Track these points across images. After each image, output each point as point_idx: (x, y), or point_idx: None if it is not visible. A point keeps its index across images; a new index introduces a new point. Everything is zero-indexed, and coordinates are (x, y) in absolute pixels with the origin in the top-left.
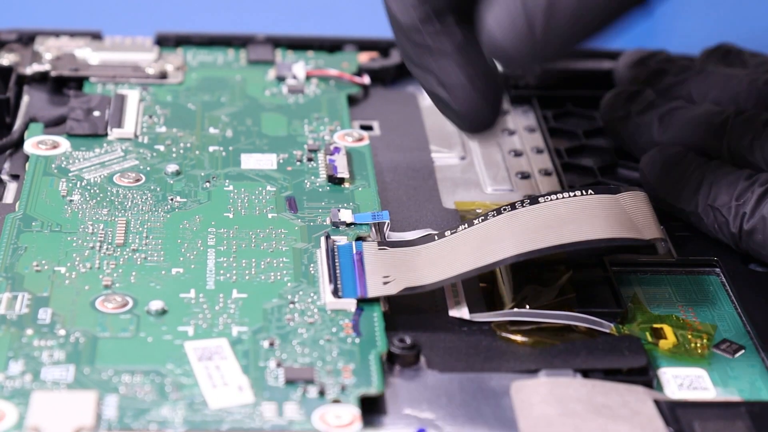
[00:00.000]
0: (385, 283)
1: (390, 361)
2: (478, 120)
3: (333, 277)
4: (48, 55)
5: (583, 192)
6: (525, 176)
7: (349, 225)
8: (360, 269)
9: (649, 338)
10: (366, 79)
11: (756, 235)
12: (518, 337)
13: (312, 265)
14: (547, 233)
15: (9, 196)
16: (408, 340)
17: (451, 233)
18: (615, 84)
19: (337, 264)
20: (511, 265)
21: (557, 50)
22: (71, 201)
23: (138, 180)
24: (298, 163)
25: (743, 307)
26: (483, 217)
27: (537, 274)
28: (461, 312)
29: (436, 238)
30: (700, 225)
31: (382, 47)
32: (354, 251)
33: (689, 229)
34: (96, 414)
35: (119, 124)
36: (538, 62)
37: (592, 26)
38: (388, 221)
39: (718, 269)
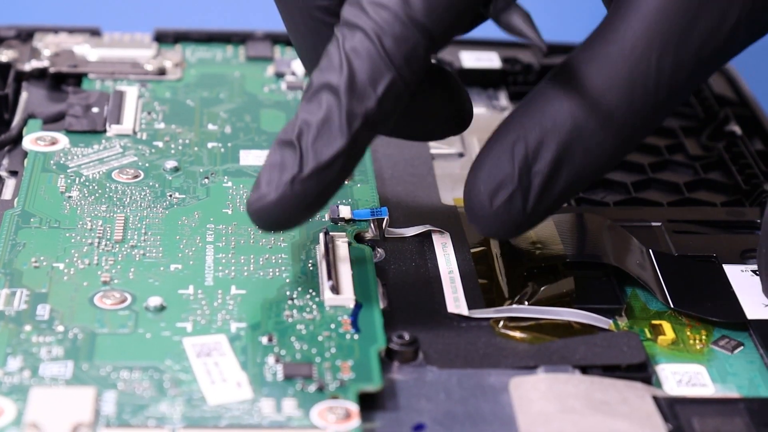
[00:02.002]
0: None
1: (388, 357)
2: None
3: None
4: (47, 51)
5: None
6: None
7: (347, 221)
8: None
9: (648, 334)
10: None
11: None
12: (517, 334)
13: (310, 261)
14: None
15: (7, 193)
16: (406, 336)
17: None
18: None
19: None
20: (510, 261)
21: (540, 220)
22: (70, 197)
23: (136, 176)
24: None
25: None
26: None
27: (535, 270)
28: (460, 308)
29: None
30: None
31: None
32: None
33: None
34: (94, 410)
35: (118, 120)
36: (517, 234)
37: (579, 190)
38: (386, 218)
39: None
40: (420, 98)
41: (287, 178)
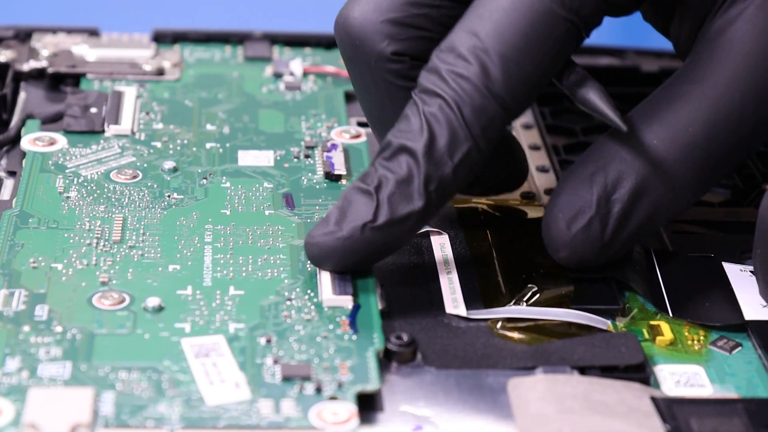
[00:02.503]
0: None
1: (387, 358)
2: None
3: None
4: (45, 51)
5: None
6: None
7: None
8: None
9: (646, 335)
10: None
11: None
12: (515, 334)
13: (309, 262)
14: None
15: (6, 193)
16: (405, 337)
17: None
18: None
19: None
20: (508, 262)
21: (618, 250)
22: (68, 198)
23: (135, 177)
24: (295, 159)
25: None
26: None
27: (534, 271)
28: (458, 309)
29: None
30: None
31: None
32: None
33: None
34: (93, 410)
35: (116, 120)
36: (596, 262)
37: (659, 224)
38: None
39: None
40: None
41: (359, 223)
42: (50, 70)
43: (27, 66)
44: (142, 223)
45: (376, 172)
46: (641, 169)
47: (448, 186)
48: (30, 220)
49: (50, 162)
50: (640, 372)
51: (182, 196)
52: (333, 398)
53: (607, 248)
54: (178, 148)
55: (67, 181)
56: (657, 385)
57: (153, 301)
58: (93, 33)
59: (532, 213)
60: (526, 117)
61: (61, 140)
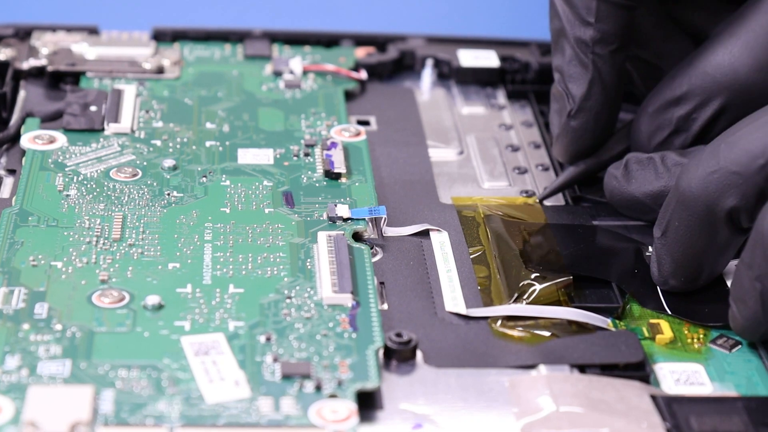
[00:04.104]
0: None
1: (386, 356)
2: None
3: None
4: (45, 50)
5: None
6: (522, 171)
7: (345, 220)
8: None
9: (646, 333)
10: (363, 74)
11: None
12: (515, 332)
13: (309, 260)
14: None
15: (5, 191)
16: (404, 335)
17: None
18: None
19: None
20: (508, 260)
21: None
22: (68, 196)
23: (135, 175)
24: (295, 158)
25: None
26: None
27: (533, 270)
28: (458, 307)
29: None
30: None
31: (379, 42)
32: None
33: None
34: (92, 409)
35: (116, 119)
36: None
37: None
38: (384, 216)
39: None
40: None
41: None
42: (50, 69)
43: (27, 64)
44: (142, 221)
45: None
46: (725, 89)
47: None
48: (30, 218)
49: (50, 160)
50: (639, 370)
51: (182, 195)
52: (333, 396)
53: None
54: (178, 146)
55: (67, 180)
56: (657, 384)
57: (153, 299)
58: (93, 31)
59: (532, 211)
60: (526, 115)
61: (61, 138)
